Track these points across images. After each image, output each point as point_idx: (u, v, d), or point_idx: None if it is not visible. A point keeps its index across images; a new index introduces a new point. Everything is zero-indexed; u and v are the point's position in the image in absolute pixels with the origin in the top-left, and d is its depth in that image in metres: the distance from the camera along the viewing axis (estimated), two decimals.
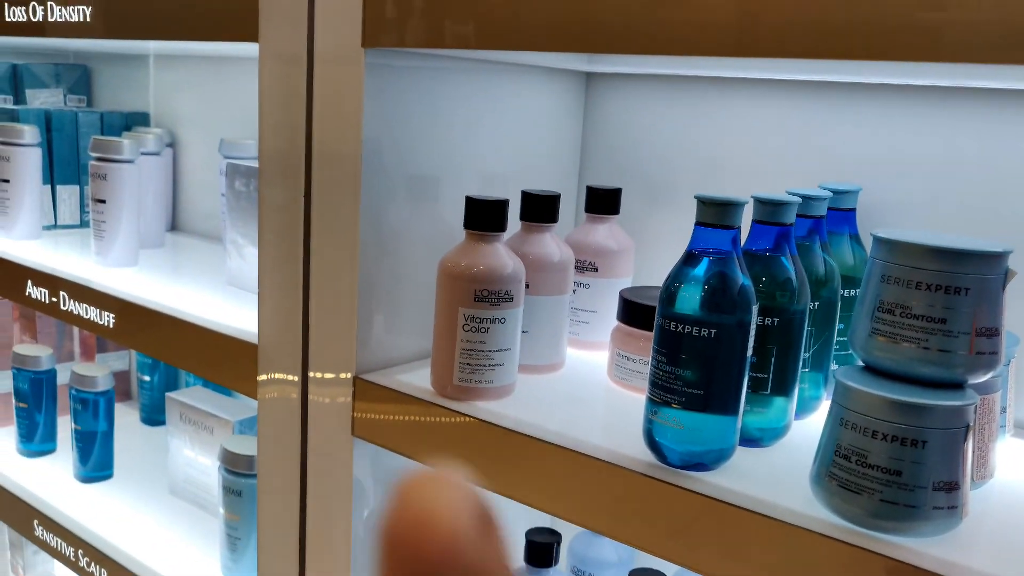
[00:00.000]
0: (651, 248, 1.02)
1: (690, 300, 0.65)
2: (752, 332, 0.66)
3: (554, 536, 0.91)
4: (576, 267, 0.94)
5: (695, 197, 0.66)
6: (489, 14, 0.71)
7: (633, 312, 0.84)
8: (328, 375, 0.86)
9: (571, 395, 0.84)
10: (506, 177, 0.98)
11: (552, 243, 0.87)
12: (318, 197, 0.85)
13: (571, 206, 1.07)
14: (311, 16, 0.82)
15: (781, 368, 0.71)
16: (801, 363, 0.73)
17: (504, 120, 0.96)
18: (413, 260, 0.88)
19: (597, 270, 0.94)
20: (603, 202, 0.95)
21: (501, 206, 0.78)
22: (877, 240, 0.62)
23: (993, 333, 0.59)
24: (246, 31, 0.87)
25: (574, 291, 0.94)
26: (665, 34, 0.63)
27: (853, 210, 0.83)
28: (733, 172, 0.97)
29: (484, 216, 0.78)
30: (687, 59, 0.78)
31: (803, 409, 0.78)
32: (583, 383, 0.87)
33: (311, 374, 0.88)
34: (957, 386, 0.60)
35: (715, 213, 0.65)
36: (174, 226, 1.56)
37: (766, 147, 0.94)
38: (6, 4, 1.14)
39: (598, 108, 1.06)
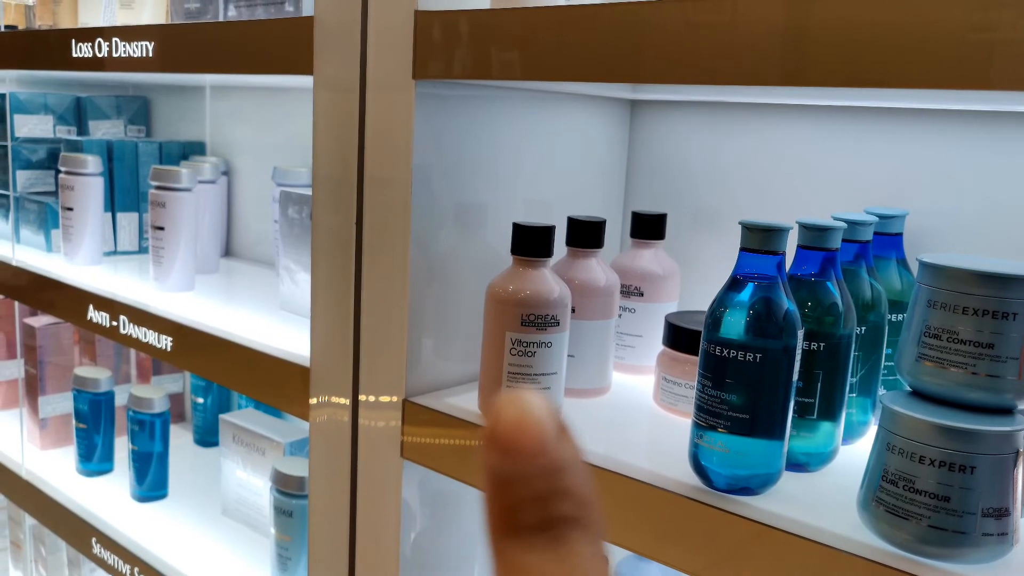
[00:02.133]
0: (696, 273, 1.02)
1: (735, 325, 0.66)
2: (798, 357, 0.66)
3: None
4: (622, 292, 0.95)
5: (739, 223, 0.67)
6: (536, 46, 0.73)
7: (679, 337, 0.85)
8: (378, 398, 0.88)
9: (617, 419, 0.85)
10: (552, 203, 0.99)
11: (598, 268, 0.88)
12: (369, 223, 0.87)
13: (616, 231, 1.08)
14: (364, 49, 0.84)
15: (828, 393, 0.72)
16: (848, 388, 0.73)
17: (550, 147, 0.98)
18: (461, 285, 0.90)
19: (643, 295, 0.95)
20: (648, 227, 0.96)
21: (547, 232, 0.80)
22: (923, 265, 0.62)
23: None
24: (301, 64, 0.90)
25: (620, 316, 0.95)
26: (710, 63, 0.64)
27: (900, 235, 0.83)
28: (778, 197, 0.97)
29: (531, 242, 0.80)
30: (723, 88, 0.79)
31: (850, 434, 0.77)
32: (629, 407, 0.88)
33: (361, 397, 0.90)
34: (1006, 411, 0.60)
35: (759, 239, 0.66)
36: (228, 252, 1.61)
37: (811, 172, 0.95)
38: (73, 40, 1.19)
39: (643, 135, 1.07)
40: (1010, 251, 0.83)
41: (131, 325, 1.17)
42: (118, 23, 1.29)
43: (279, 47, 0.93)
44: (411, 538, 0.95)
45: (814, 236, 0.71)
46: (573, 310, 0.86)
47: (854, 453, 0.74)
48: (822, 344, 0.70)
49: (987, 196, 0.84)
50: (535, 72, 0.74)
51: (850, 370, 0.73)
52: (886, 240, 0.82)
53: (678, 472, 0.71)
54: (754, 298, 0.66)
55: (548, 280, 0.80)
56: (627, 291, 0.95)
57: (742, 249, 0.67)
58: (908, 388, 0.64)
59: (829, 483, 0.71)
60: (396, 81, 0.82)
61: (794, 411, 0.70)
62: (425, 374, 0.89)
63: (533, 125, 0.95)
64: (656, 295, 0.95)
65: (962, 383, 0.59)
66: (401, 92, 0.82)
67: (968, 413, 0.59)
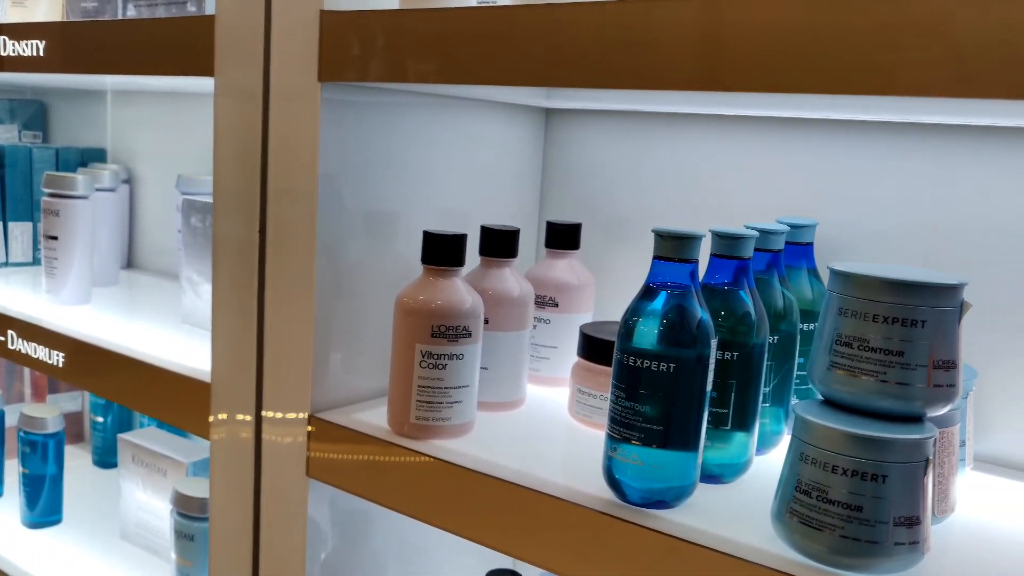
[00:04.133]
0: (612, 283, 1.01)
1: (648, 334, 0.65)
2: (711, 366, 0.65)
3: None
4: (536, 302, 0.93)
5: (652, 231, 0.66)
6: (447, 47, 0.71)
7: (593, 347, 0.84)
8: (282, 414, 0.84)
9: (531, 433, 0.83)
10: (466, 212, 0.97)
11: (512, 278, 0.86)
12: (273, 233, 0.83)
13: (532, 241, 1.07)
14: (267, 50, 0.81)
15: (741, 403, 0.71)
16: (761, 398, 0.73)
17: (464, 155, 0.96)
18: (371, 296, 0.87)
19: (558, 305, 0.93)
20: (563, 237, 0.95)
21: (459, 240, 0.77)
22: (834, 273, 0.62)
23: (951, 366, 0.59)
24: (202, 66, 0.86)
25: (534, 327, 0.93)
26: (627, 67, 0.63)
27: (811, 244, 0.83)
28: (692, 207, 0.97)
29: (442, 250, 0.77)
30: (645, 95, 0.79)
31: (764, 444, 0.77)
32: (543, 420, 0.86)
33: (265, 413, 0.86)
34: (916, 419, 0.60)
35: (672, 247, 0.65)
36: (131, 263, 1.54)
37: (725, 182, 0.95)
38: None
39: (558, 144, 1.06)
40: (918, 263, 0.84)
41: (20, 340, 1.10)
42: (10, 20, 1.22)
43: (178, 47, 0.89)
44: (320, 559, 0.92)
45: (727, 245, 0.70)
46: (487, 321, 0.84)
47: (768, 464, 0.74)
48: (735, 354, 0.70)
49: (896, 207, 0.85)
50: (446, 75, 0.72)
51: (763, 380, 0.72)
52: (797, 250, 0.82)
53: (592, 486, 0.69)
54: (667, 307, 0.65)
55: (460, 290, 0.78)
56: (542, 302, 0.93)
57: (655, 257, 0.66)
58: (820, 397, 0.63)
59: (743, 495, 0.70)
60: (301, 84, 0.79)
61: (708, 422, 0.69)
62: (333, 389, 0.85)
63: (446, 132, 0.93)
64: (571, 305, 0.94)
65: (873, 391, 0.59)
66: (306, 96, 0.79)
67: (879, 422, 0.59)
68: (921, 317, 0.58)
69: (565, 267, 0.95)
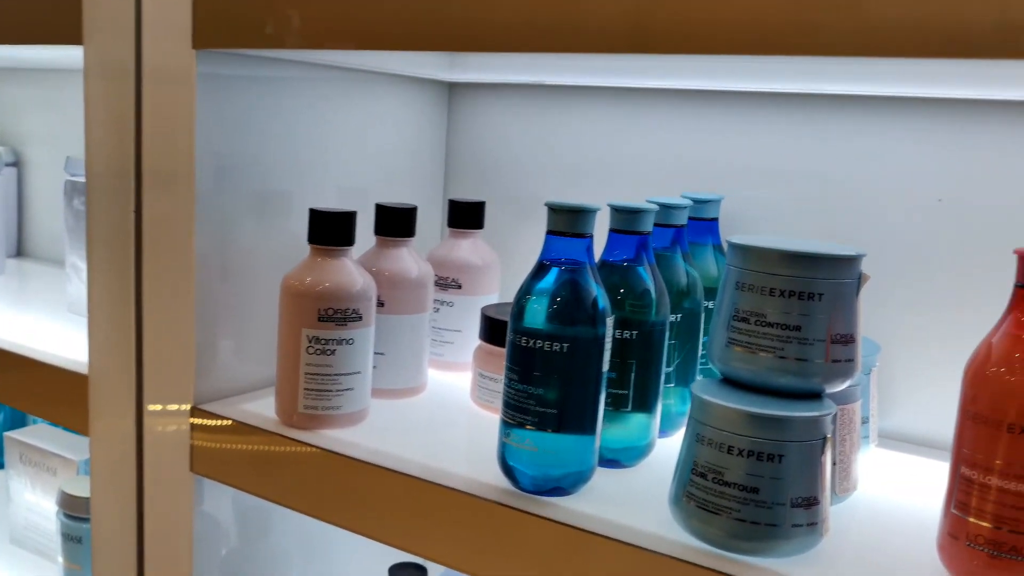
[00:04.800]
0: (519, 263, 0.98)
1: (541, 313, 0.61)
2: (608, 346, 0.62)
3: (419, 571, 0.85)
4: (439, 284, 0.89)
5: (545, 204, 0.62)
6: (336, 8, 0.66)
7: (495, 330, 0.80)
8: (164, 407, 0.79)
9: (430, 420, 0.79)
10: (365, 190, 0.93)
11: (409, 259, 0.82)
12: (149, 216, 0.78)
13: (437, 221, 1.03)
14: (138, 15, 0.75)
15: (642, 383, 0.68)
16: (663, 378, 0.70)
17: (361, 132, 0.91)
18: (264, 280, 0.82)
19: (461, 287, 0.90)
20: (466, 216, 0.91)
21: (347, 218, 0.73)
22: (732, 246, 0.59)
23: (849, 340, 0.57)
24: (68, 34, 0.80)
25: (437, 310, 0.89)
26: (527, 29, 0.59)
27: (715, 219, 0.81)
28: (599, 182, 0.94)
29: (329, 229, 0.73)
30: (549, 66, 0.75)
31: (669, 426, 0.75)
32: (444, 407, 0.82)
33: (146, 406, 0.80)
34: (816, 396, 0.58)
35: (566, 220, 0.62)
36: (20, 251, 1.45)
37: (631, 157, 0.92)
38: None
39: (461, 119, 1.02)
40: (825, 236, 0.82)
41: None
42: None
43: (43, 14, 0.82)
44: (221, 556, 0.87)
45: (625, 219, 0.67)
46: (382, 304, 0.80)
47: (672, 446, 0.71)
48: (635, 332, 0.67)
49: (804, 181, 0.83)
50: (334, 40, 0.67)
51: (665, 359, 0.70)
52: (702, 225, 0.80)
53: (489, 475, 0.65)
54: (561, 284, 0.62)
55: (350, 271, 0.73)
56: (444, 283, 0.90)
57: (548, 232, 0.62)
58: (720, 375, 0.61)
59: (645, 479, 0.67)
60: (175, 53, 0.73)
61: (607, 404, 0.66)
62: (222, 378, 0.80)
63: (342, 107, 0.88)
64: (475, 287, 0.90)
65: (772, 368, 0.57)
66: (181, 66, 0.73)
67: (778, 400, 0.56)
68: (819, 290, 0.56)
69: (469, 247, 0.91)
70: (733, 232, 0.84)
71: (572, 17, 0.57)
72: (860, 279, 0.58)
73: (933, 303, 0.78)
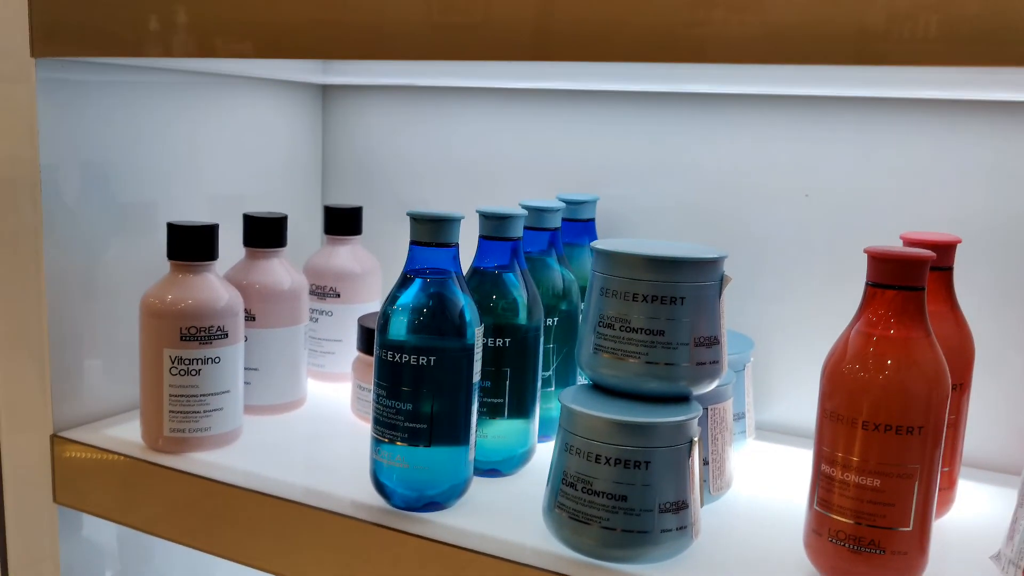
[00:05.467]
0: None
1: (406, 327, 0.60)
2: (478, 356, 0.61)
3: None
4: (317, 293, 0.87)
5: (407, 214, 0.61)
6: (185, 15, 0.63)
7: (372, 340, 0.78)
8: (22, 435, 0.75)
9: (306, 436, 0.77)
10: (239, 198, 0.90)
11: (281, 269, 0.79)
12: None
13: (316, 228, 1.00)
14: None
15: (518, 391, 0.67)
16: (540, 383, 0.69)
17: (232, 138, 0.88)
18: (129, 297, 0.78)
19: (339, 296, 0.87)
20: (343, 222, 0.89)
21: (207, 231, 0.70)
22: (595, 252, 0.59)
23: (713, 342, 0.57)
24: None
25: (315, 320, 0.87)
26: (400, 35, 0.57)
27: (592, 220, 0.80)
28: (476, 184, 0.93)
29: (189, 244, 0.70)
30: (421, 70, 0.73)
31: (550, 430, 0.74)
32: (323, 420, 0.80)
33: (3, 435, 0.76)
34: (684, 399, 0.58)
35: (428, 230, 0.60)
36: None
37: (510, 158, 0.91)
38: None
39: (337, 122, 0.99)
40: (699, 235, 0.82)
41: None
42: None
43: None
44: None
45: (494, 225, 0.66)
46: (253, 318, 0.77)
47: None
48: (508, 340, 0.66)
49: (676, 179, 0.83)
50: (183, 48, 0.64)
51: (540, 365, 0.69)
52: (578, 226, 0.79)
53: (364, 492, 0.64)
54: (425, 295, 0.60)
55: (214, 286, 0.70)
56: (322, 292, 0.87)
57: (412, 243, 0.61)
58: (589, 382, 0.60)
59: (523, 487, 0.66)
60: (12, 61, 0.69)
61: (483, 413, 0.65)
62: (88, 401, 0.76)
63: (210, 113, 0.85)
64: (354, 295, 0.88)
65: (637, 373, 0.57)
66: (19, 75, 0.69)
67: (645, 405, 0.56)
68: (680, 294, 0.56)
69: (347, 254, 0.89)
70: (609, 232, 0.85)
71: (448, 22, 0.56)
72: (722, 281, 0.58)
73: (804, 296, 0.79)
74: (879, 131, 0.76)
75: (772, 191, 0.80)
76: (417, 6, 0.55)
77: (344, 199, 1.00)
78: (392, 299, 0.61)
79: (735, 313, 0.79)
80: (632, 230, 0.85)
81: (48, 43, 0.68)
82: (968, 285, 0.68)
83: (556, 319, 0.73)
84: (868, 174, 0.76)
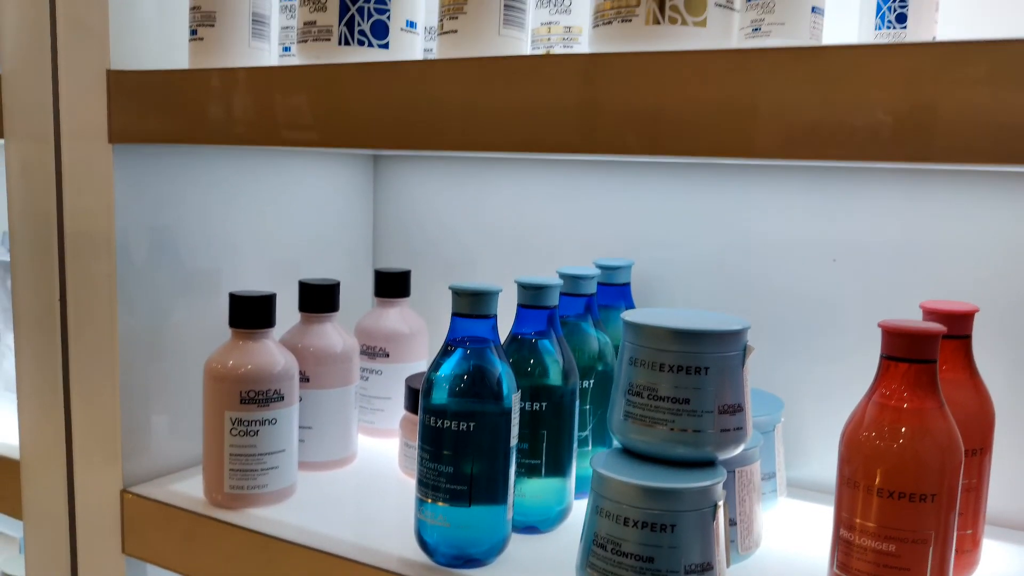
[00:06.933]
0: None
1: (448, 393, 0.64)
2: (515, 421, 0.65)
3: None
4: (368, 353, 0.92)
5: (449, 287, 0.65)
6: (241, 108, 0.69)
7: (417, 399, 0.82)
8: (95, 489, 0.80)
9: (357, 492, 0.81)
10: (296, 263, 0.95)
11: (334, 333, 0.84)
12: (73, 297, 0.79)
13: (367, 289, 1.05)
14: (56, 110, 0.77)
15: (554, 452, 0.71)
16: (576, 443, 0.73)
17: (290, 206, 0.94)
18: (194, 358, 0.83)
19: (389, 355, 0.92)
20: (391, 285, 0.93)
21: (266, 301, 0.75)
22: (625, 323, 0.62)
23: (737, 409, 0.60)
24: None
25: (366, 378, 0.92)
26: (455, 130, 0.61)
27: (627, 284, 0.84)
28: (523, 250, 0.97)
29: (248, 312, 0.75)
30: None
31: (587, 488, 0.77)
32: (373, 477, 0.84)
33: (77, 488, 0.81)
34: (710, 464, 0.61)
35: (468, 303, 0.64)
36: None
37: (548, 222, 0.95)
38: None
39: (387, 189, 1.05)
40: (732, 297, 0.85)
41: None
42: None
43: None
44: None
45: (531, 295, 0.70)
46: (307, 379, 0.82)
47: None
48: (544, 404, 0.70)
49: (712, 245, 0.87)
50: (241, 137, 0.70)
51: (576, 426, 0.73)
52: (614, 290, 0.83)
53: (409, 548, 0.67)
54: (466, 364, 0.64)
55: (271, 352, 0.76)
56: (372, 352, 0.92)
57: (453, 314, 0.65)
58: (619, 446, 0.64)
59: (560, 544, 0.70)
60: (93, 144, 0.76)
61: (521, 473, 0.69)
62: (156, 456, 0.82)
63: (268, 183, 0.91)
64: (402, 355, 0.92)
65: (665, 439, 0.60)
66: (98, 157, 0.75)
67: (672, 470, 0.59)
68: (704, 364, 0.59)
69: (396, 316, 0.94)
70: (645, 293, 0.88)
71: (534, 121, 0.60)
72: (745, 351, 0.61)
73: (835, 357, 0.82)
74: (905, 199, 0.78)
75: (801, 255, 0.83)
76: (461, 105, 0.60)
77: (394, 262, 1.05)
78: (435, 367, 0.65)
79: (768, 373, 0.82)
80: (668, 292, 0.88)
81: (122, 132, 0.74)
82: (989, 350, 0.70)
83: (592, 381, 0.76)
84: (894, 240, 0.79)
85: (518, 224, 0.97)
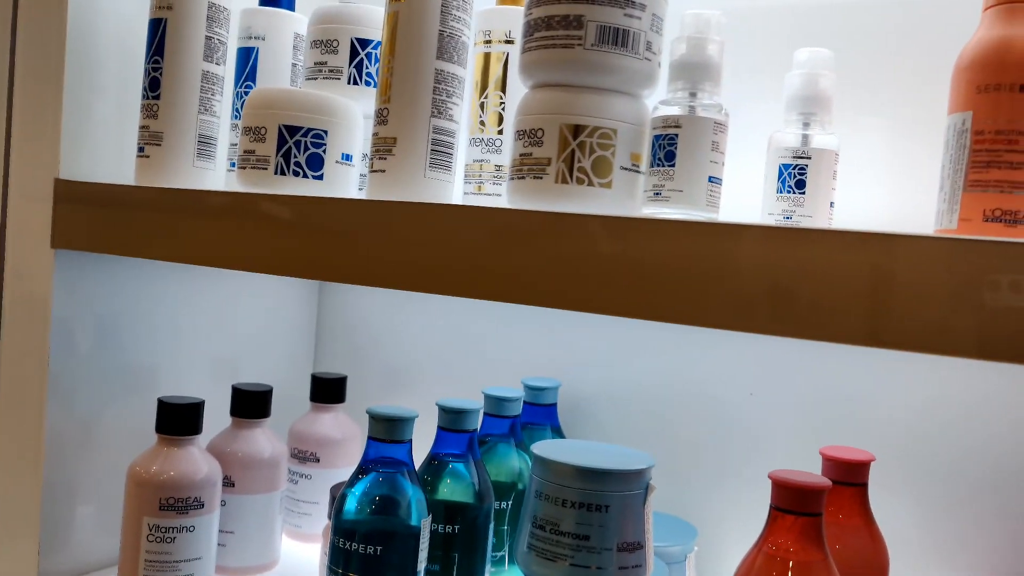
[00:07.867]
0: None
1: (356, 516, 0.65)
2: (425, 545, 0.66)
3: None
4: (299, 457, 0.93)
5: (367, 411, 0.67)
6: (185, 230, 0.71)
7: None
8: None
9: None
10: (234, 362, 0.97)
11: (263, 438, 0.86)
12: (6, 387, 0.81)
13: (306, 392, 1.06)
14: (4, 211, 0.80)
15: (467, 572, 0.72)
16: (489, 563, 0.74)
17: (233, 308, 0.96)
18: (128, 453, 0.84)
19: (319, 460, 0.93)
20: (327, 391, 0.95)
21: (192, 409, 0.77)
22: (532, 456, 0.64)
23: (636, 547, 0.62)
24: None
25: (296, 482, 0.93)
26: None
27: (553, 405, 0.86)
28: (470, 356, 0.99)
29: (174, 419, 0.76)
30: None
31: None
32: None
33: None
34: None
35: (384, 428, 0.66)
36: None
37: (482, 337, 0.98)
38: None
39: (331, 294, 1.07)
40: (658, 420, 0.88)
41: None
42: None
43: None
44: None
45: (451, 419, 0.72)
46: (233, 484, 0.83)
47: None
48: (457, 526, 0.71)
49: (637, 369, 0.90)
50: (181, 255, 0.72)
51: (489, 547, 0.74)
52: (540, 410, 0.85)
53: None
54: (376, 488, 0.66)
55: (195, 459, 0.77)
56: (303, 456, 0.93)
57: (369, 437, 0.67)
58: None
59: None
60: (36, 246, 0.78)
61: None
62: (75, 553, 0.82)
63: (208, 286, 0.93)
64: (333, 461, 0.94)
65: (565, 575, 0.61)
66: (39, 257, 0.78)
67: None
68: (606, 502, 0.61)
69: (330, 421, 0.95)
70: (572, 413, 0.90)
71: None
72: (647, 489, 0.63)
73: (759, 486, 0.84)
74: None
75: (722, 388, 0.85)
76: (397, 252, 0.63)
77: (336, 366, 1.06)
78: (345, 488, 0.66)
79: (688, 499, 0.84)
80: (594, 413, 0.91)
81: (64, 238, 0.76)
82: (886, 497, 0.73)
83: (511, 502, 0.78)
84: (808, 380, 0.82)
85: (458, 335, 1.00)
